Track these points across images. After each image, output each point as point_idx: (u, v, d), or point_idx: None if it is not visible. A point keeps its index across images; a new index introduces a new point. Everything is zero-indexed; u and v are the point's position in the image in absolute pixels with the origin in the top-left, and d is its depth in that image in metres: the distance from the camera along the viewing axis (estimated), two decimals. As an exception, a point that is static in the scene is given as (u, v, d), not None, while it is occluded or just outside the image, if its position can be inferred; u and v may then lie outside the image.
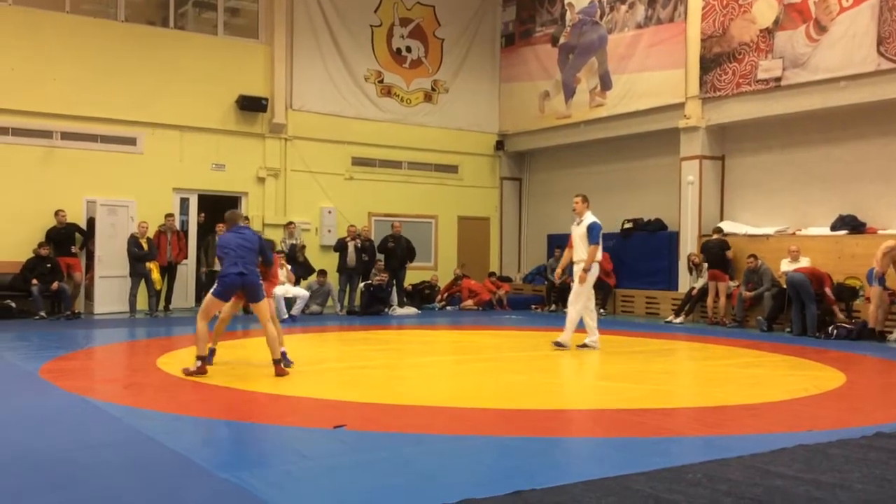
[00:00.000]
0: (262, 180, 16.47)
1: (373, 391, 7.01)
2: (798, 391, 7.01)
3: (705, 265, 14.18)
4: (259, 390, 6.80)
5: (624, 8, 16.41)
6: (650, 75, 15.77)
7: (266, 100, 16.24)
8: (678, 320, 14.30)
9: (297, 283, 14.40)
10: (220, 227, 13.32)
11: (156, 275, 14.19)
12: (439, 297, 17.42)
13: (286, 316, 13.24)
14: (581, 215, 9.98)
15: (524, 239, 19.74)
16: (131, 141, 15.13)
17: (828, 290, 12.06)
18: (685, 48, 15.10)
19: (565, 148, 18.15)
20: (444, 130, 18.56)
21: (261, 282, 7.70)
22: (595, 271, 9.93)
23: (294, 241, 15.43)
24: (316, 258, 15.98)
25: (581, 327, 10.01)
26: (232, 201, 15.86)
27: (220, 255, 7.68)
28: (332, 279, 15.68)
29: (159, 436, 4.99)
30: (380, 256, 15.98)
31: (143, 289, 14.06)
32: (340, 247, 15.63)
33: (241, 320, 12.41)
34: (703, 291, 14.21)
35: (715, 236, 14.19)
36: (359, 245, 15.61)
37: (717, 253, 13.99)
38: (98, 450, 4.73)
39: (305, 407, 6.29)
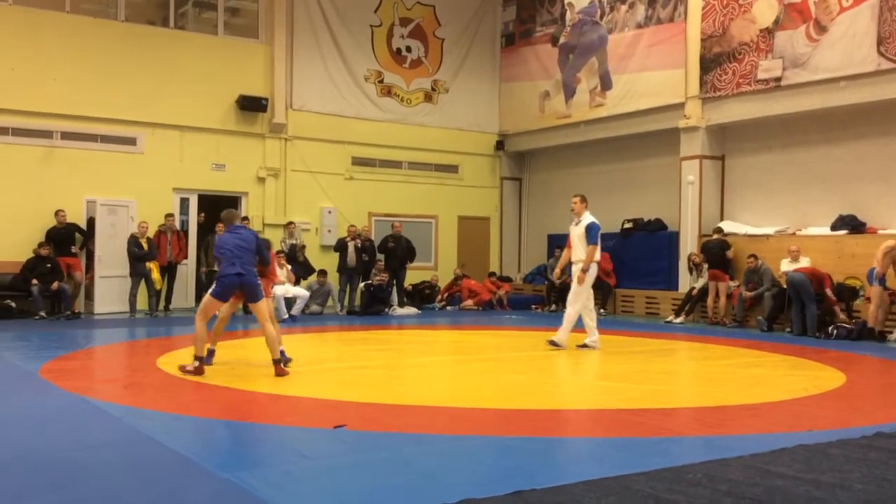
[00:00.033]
0: (262, 180, 16.47)
1: (373, 391, 7.01)
2: (798, 391, 7.01)
3: (705, 265, 14.18)
4: (259, 390, 6.80)
5: (624, 8, 16.41)
6: (650, 75, 15.77)
7: (266, 100, 16.24)
8: (678, 320, 14.29)
9: (297, 283, 14.40)
10: (220, 227, 13.30)
11: (156, 275, 14.19)
12: (439, 297, 17.41)
13: (286, 316, 13.24)
14: (580, 215, 9.97)
15: (524, 239, 19.73)
16: (131, 141, 15.13)
17: (828, 290, 12.06)
18: (685, 48, 15.10)
19: (565, 148, 18.14)
20: (444, 130, 18.56)
21: (259, 281, 7.70)
22: (593, 271, 9.92)
23: (294, 241, 15.43)
24: (316, 258, 15.97)
25: (581, 327, 10.01)
26: (232, 201, 15.86)
27: (218, 255, 7.69)
28: (333, 279, 15.68)
29: (159, 436, 4.98)
30: (380, 256, 15.98)
31: (143, 289, 14.07)
32: (340, 247, 15.62)
33: (241, 320, 12.42)
34: (704, 291, 14.21)
35: (715, 236, 14.19)
36: (359, 245, 15.60)
37: (717, 253, 13.99)
38: (98, 450, 4.73)
39: (305, 407, 6.28)
